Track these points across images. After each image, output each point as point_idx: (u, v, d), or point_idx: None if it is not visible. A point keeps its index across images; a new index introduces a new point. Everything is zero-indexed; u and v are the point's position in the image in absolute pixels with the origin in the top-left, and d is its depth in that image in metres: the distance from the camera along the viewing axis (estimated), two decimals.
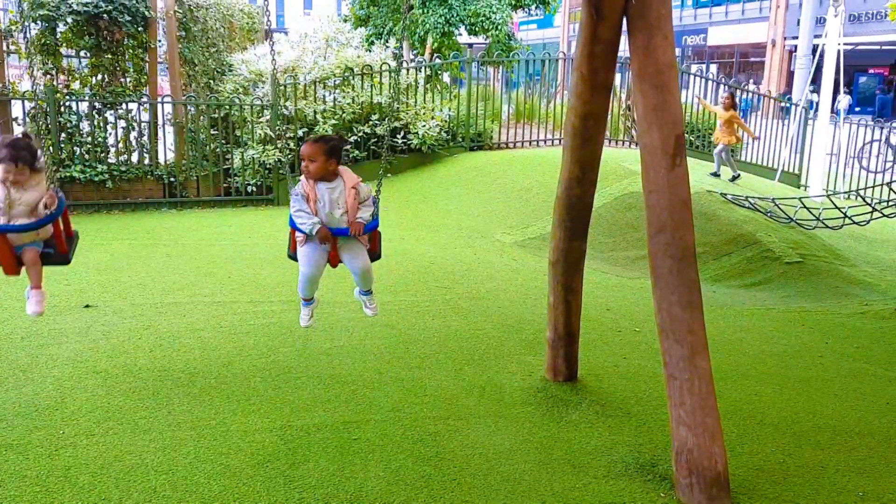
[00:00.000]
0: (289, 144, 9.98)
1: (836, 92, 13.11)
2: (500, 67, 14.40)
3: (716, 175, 11.12)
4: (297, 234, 3.93)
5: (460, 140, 11.74)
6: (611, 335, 5.56)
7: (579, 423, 3.94)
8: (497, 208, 9.76)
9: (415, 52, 14.93)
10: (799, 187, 13.11)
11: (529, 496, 3.23)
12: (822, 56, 11.92)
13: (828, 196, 8.79)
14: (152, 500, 3.08)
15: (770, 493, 3.31)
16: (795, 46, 19.95)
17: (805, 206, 8.84)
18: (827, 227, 8.22)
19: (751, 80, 37.20)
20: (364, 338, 5.09)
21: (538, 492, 3.26)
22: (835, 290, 7.52)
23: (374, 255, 4.15)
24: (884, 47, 31.03)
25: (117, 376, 4.30)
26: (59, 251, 3.89)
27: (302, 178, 3.86)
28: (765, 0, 36.73)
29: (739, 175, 11.21)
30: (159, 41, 9.92)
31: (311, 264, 3.94)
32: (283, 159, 8.63)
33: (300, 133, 10.17)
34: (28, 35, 9.18)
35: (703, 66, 40.33)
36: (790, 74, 29.52)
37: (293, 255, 4.07)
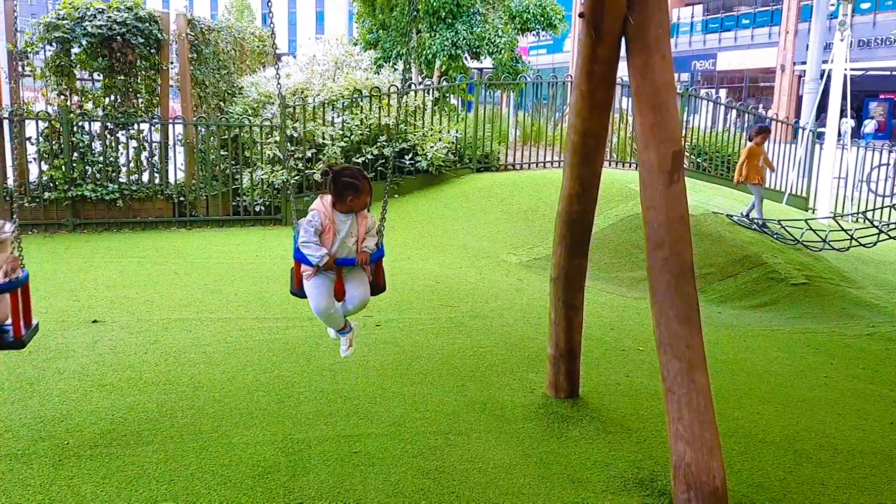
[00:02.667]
0: (297, 165, 10.09)
1: (853, 117, 13.10)
2: (508, 90, 14.54)
3: (760, 225, 9.27)
4: (303, 268, 3.81)
5: (467, 161, 11.83)
6: (614, 354, 5.57)
7: (579, 440, 3.95)
8: (503, 229, 9.81)
9: (423, 74, 15.08)
10: (806, 210, 13.10)
11: None
12: (828, 81, 11.99)
13: (834, 218, 8.79)
14: None
15: None
16: (805, 71, 20.06)
17: (811, 228, 8.85)
18: (833, 248, 8.21)
19: (760, 105, 37.36)
20: (367, 354, 5.12)
21: None
22: (841, 312, 7.49)
23: (378, 287, 4.02)
24: (894, 73, 31.12)
25: (122, 389, 4.35)
26: (14, 335, 3.31)
27: (319, 208, 3.72)
28: (774, 25, 36.93)
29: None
30: (171, 63, 10.09)
31: (323, 297, 3.81)
32: (290, 180, 8.70)
33: (308, 154, 10.28)
34: (43, 56, 9.37)
35: (713, 91, 40.58)
36: (799, 99, 29.59)
37: (298, 292, 3.92)
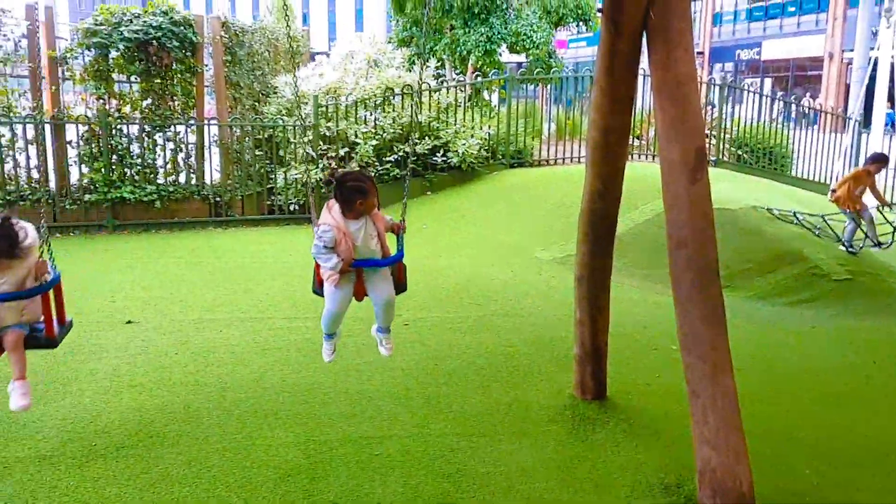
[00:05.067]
0: (330, 164, 10.13)
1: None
2: (544, 85, 14.40)
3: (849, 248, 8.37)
4: (324, 270, 3.79)
5: (500, 157, 11.74)
6: (645, 353, 5.47)
7: (605, 442, 3.88)
8: (536, 225, 9.71)
9: (457, 71, 15.03)
10: None
11: None
12: (875, 68, 11.60)
13: (878, 209, 8.49)
14: None
15: None
16: (853, 59, 19.49)
17: (856, 223, 8.56)
18: (876, 244, 7.95)
19: (807, 94, 36.40)
20: (394, 354, 5.02)
21: None
22: (886, 309, 7.25)
23: (400, 286, 3.96)
24: None
25: (152, 390, 4.41)
26: (46, 334, 3.41)
27: (329, 221, 3.64)
28: (821, 12, 35.94)
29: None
30: (206, 65, 10.21)
31: (338, 301, 3.80)
32: (323, 178, 8.75)
33: (341, 153, 10.32)
34: (83, 62, 9.56)
35: (757, 81, 39.66)
36: (848, 88, 28.77)
37: (319, 291, 3.94)
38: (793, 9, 38.40)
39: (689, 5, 3.22)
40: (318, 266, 3.84)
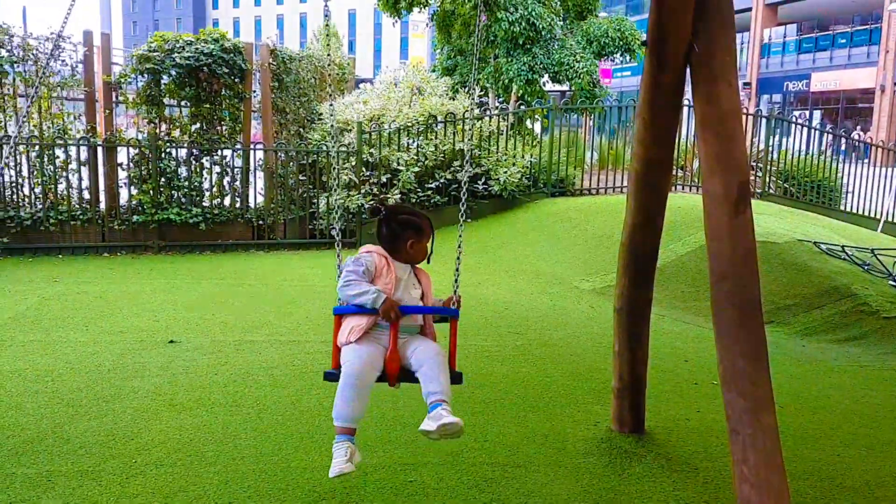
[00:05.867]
0: (372, 190, 10.26)
1: None
2: (586, 114, 14.42)
3: None
4: (346, 325, 2.92)
5: (542, 186, 11.75)
6: (686, 387, 5.38)
7: (642, 477, 3.81)
8: (577, 254, 9.67)
9: (500, 99, 15.13)
10: None
11: None
12: None
13: None
14: None
15: None
16: None
17: None
18: None
19: (858, 127, 35.71)
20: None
21: None
22: None
23: (455, 376, 3.09)
24: None
25: (191, 409, 4.48)
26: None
27: (371, 252, 2.99)
28: (873, 45, 35.39)
29: None
30: (254, 91, 10.46)
31: (365, 362, 2.84)
32: (364, 204, 8.85)
33: (383, 179, 10.44)
34: (136, 87, 9.88)
35: (806, 113, 39.09)
36: None
37: (334, 373, 2.93)
38: (843, 40, 37.88)
39: (733, 39, 3.21)
40: (336, 329, 2.93)
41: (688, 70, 3.38)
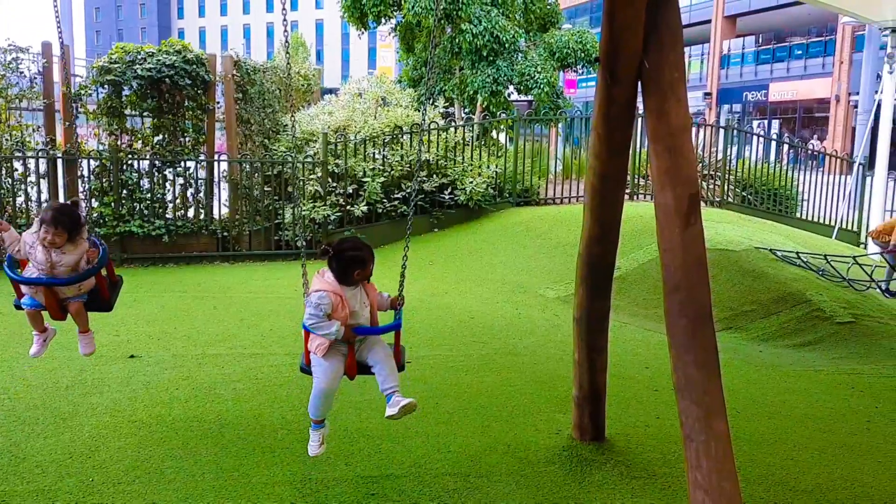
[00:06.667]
0: (338, 201, 10.26)
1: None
2: (552, 125, 14.59)
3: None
4: (312, 341, 3.50)
5: (507, 196, 11.86)
6: (646, 394, 5.46)
7: (602, 485, 3.87)
8: (542, 263, 9.77)
9: (466, 110, 15.24)
10: (858, 245, 12.71)
11: None
12: (878, 111, 11.71)
13: (881, 254, 8.52)
14: None
15: None
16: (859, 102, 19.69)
17: (859, 265, 8.59)
18: (878, 287, 7.95)
19: (815, 136, 36.57)
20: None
21: None
22: (889, 352, 7.21)
23: (398, 366, 3.64)
24: None
25: (151, 426, 4.44)
26: (101, 298, 4.00)
27: (325, 287, 3.40)
28: (828, 56, 36.27)
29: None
30: (217, 103, 10.41)
31: (330, 377, 3.45)
32: (331, 215, 8.86)
33: (349, 190, 10.44)
34: (97, 98, 9.77)
35: (765, 122, 39.91)
36: (854, 130, 28.91)
37: (307, 368, 3.57)
38: (800, 52, 38.78)
39: (682, 56, 3.30)
40: (307, 338, 3.53)
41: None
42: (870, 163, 13.42)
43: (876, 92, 14.06)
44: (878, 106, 11.78)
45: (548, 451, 4.27)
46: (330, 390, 3.47)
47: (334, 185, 10.52)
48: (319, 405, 3.51)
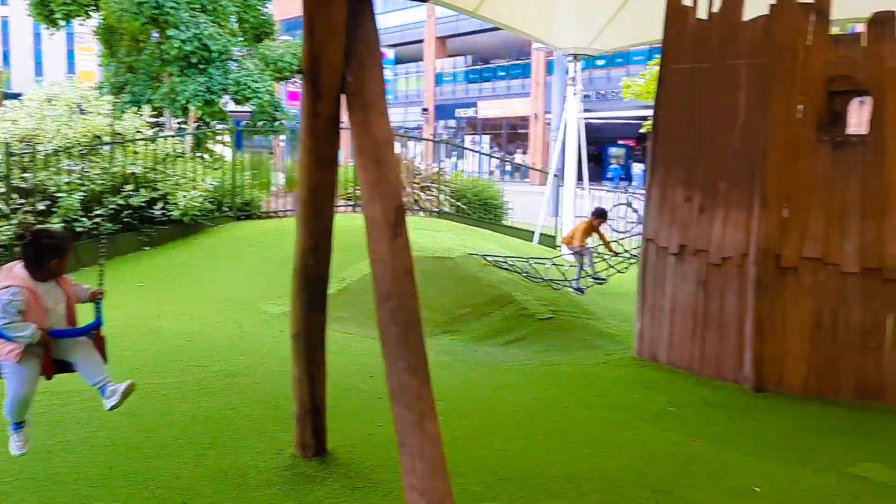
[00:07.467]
0: (27, 219, 9.10)
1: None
2: (275, 136, 14.35)
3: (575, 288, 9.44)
4: (4, 346, 3.30)
5: (227, 209, 11.41)
6: (370, 402, 5.53)
7: (324, 499, 3.83)
8: (265, 278, 9.53)
9: (179, 120, 14.43)
10: (555, 248, 14.19)
11: None
12: (566, 128, 13.17)
13: (574, 255, 9.59)
14: None
15: None
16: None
17: (555, 265, 9.56)
18: (570, 285, 8.92)
19: (520, 150, 40.36)
20: (97, 430, 4.63)
21: None
22: (582, 343, 8.11)
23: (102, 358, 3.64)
24: (628, 122, 35.04)
25: None
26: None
27: (16, 283, 3.24)
28: (526, 78, 40.22)
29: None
30: None
31: (27, 381, 3.36)
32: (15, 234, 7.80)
33: (40, 207, 9.32)
34: None
35: (477, 137, 43.18)
36: (549, 145, 32.35)
37: None
38: (503, 73, 42.59)
39: (382, 72, 3.39)
40: None
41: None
42: (562, 175, 15.09)
43: (562, 111, 15.83)
44: (566, 124, 13.25)
45: (269, 472, 4.13)
46: (29, 394, 3.40)
47: (21, 201, 9.32)
48: (18, 410, 3.42)
